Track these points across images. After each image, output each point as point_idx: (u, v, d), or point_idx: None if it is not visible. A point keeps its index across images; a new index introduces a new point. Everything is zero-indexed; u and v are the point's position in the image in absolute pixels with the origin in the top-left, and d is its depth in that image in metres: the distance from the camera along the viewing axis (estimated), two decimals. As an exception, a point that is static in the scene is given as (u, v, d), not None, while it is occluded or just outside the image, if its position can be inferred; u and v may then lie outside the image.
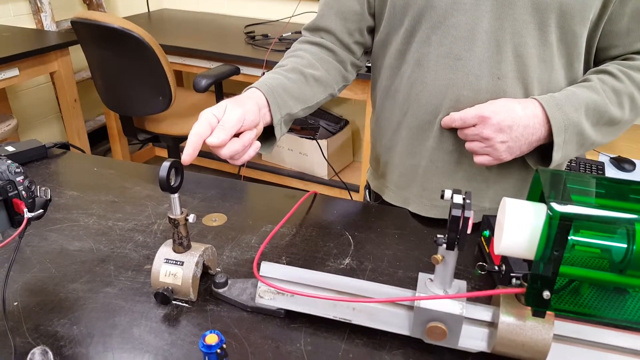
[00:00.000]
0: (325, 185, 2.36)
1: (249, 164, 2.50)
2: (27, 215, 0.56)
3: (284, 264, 0.72)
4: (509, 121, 0.70)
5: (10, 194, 0.56)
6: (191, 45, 2.02)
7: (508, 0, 0.71)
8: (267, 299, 0.62)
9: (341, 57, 0.87)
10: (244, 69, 1.96)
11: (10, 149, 0.98)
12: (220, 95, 1.87)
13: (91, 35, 1.71)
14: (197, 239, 0.77)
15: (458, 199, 0.52)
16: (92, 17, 1.66)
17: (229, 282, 0.67)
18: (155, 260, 0.64)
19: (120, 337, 0.59)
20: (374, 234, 0.80)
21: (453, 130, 0.79)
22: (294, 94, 0.77)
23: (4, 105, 2.43)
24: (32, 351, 0.50)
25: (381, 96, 0.90)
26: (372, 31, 0.88)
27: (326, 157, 2.05)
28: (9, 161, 0.59)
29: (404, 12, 0.78)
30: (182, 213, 0.62)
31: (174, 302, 0.64)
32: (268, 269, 0.63)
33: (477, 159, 0.76)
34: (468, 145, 0.76)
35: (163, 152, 2.77)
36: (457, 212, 0.51)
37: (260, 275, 0.62)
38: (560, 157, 0.72)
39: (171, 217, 0.62)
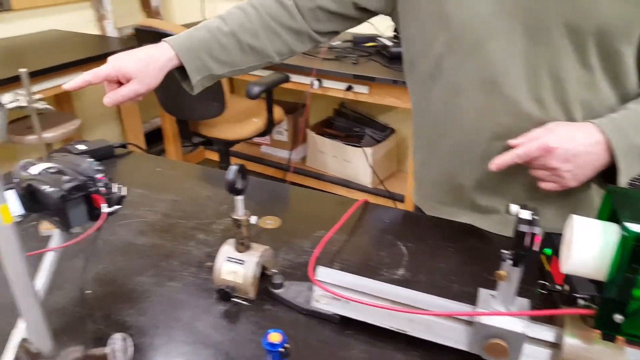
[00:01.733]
0: (369, 194, 2.36)
1: (294, 169, 2.54)
2: (106, 209, 0.60)
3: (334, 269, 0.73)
4: (573, 150, 0.69)
5: (90, 190, 0.60)
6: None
7: (542, 24, 0.69)
8: (323, 303, 0.63)
9: (300, 28, 0.85)
10: (294, 77, 2.00)
11: (81, 147, 1.04)
12: (270, 102, 1.92)
13: (153, 42, 1.80)
14: (253, 239, 0.80)
15: (526, 214, 0.52)
16: (154, 25, 1.74)
17: (285, 283, 0.69)
18: (217, 258, 0.67)
19: (184, 330, 0.61)
20: (427, 246, 0.79)
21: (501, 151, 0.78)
22: (220, 58, 0.82)
23: (68, 105, 2.58)
24: (113, 336, 0.53)
25: (415, 112, 0.91)
26: (347, 21, 0.86)
27: (371, 165, 2.05)
28: (90, 159, 0.63)
29: (435, 36, 0.77)
30: (245, 214, 0.65)
31: (233, 299, 0.66)
32: (325, 273, 0.64)
33: (543, 185, 0.74)
34: (534, 172, 0.74)
35: (212, 155, 2.85)
36: (524, 228, 0.51)
37: (317, 280, 0.64)
38: (625, 180, 0.71)
39: (235, 217, 0.65)
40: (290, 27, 0.86)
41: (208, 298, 0.67)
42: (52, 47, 2.16)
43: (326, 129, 2.43)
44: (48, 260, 0.58)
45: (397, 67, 1.91)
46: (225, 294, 0.65)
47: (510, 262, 0.53)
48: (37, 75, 1.82)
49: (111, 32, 2.63)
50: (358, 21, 0.88)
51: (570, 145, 0.69)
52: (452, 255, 0.77)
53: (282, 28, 0.85)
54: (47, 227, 0.61)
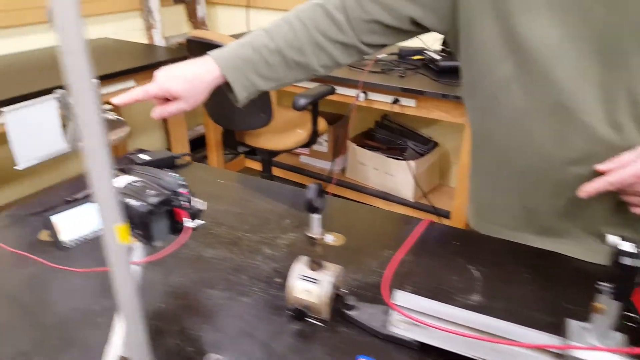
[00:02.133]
0: (411, 208, 2.33)
1: (320, 178, 2.53)
2: (189, 224, 0.60)
3: (409, 291, 0.72)
4: None
5: (174, 204, 0.61)
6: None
7: (617, 46, 0.66)
8: (401, 328, 0.62)
9: (349, 41, 0.84)
10: (339, 89, 2.00)
11: (144, 157, 1.06)
12: (316, 113, 1.92)
13: (203, 53, 1.83)
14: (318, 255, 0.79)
15: (629, 247, 0.49)
16: (205, 36, 1.78)
17: (358, 305, 0.67)
18: (290, 276, 0.66)
19: (261, 350, 0.61)
20: (500, 270, 0.77)
21: (581, 178, 0.75)
22: (264, 74, 0.83)
23: (117, 113, 2.65)
24: (209, 357, 0.53)
25: (474, 133, 0.88)
26: (400, 35, 0.84)
27: (415, 179, 2.02)
28: (174, 173, 0.64)
29: (501, 58, 0.74)
30: (321, 233, 0.64)
31: (307, 319, 0.66)
32: (403, 298, 0.63)
33: (636, 210, 0.71)
34: (626, 198, 0.71)
35: (253, 164, 2.88)
36: (628, 261, 0.48)
37: (395, 304, 0.62)
38: None
39: (310, 236, 0.64)
40: (338, 41, 0.85)
41: (280, 316, 0.66)
42: (104, 54, 2.23)
43: (367, 140, 2.42)
44: (135, 274, 0.58)
45: (445, 81, 1.88)
46: (300, 313, 0.64)
47: (610, 295, 0.51)
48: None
49: (159, 41, 2.70)
50: (410, 35, 0.87)
51: None
52: (527, 280, 0.74)
53: (330, 42, 0.85)
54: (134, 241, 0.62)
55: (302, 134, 1.99)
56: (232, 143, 1.98)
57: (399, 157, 2.33)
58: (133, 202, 0.60)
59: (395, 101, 1.90)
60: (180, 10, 2.97)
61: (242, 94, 0.84)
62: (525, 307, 0.69)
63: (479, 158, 0.91)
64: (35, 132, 0.83)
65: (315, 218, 0.64)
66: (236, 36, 2.70)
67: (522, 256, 0.81)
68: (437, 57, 2.01)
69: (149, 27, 2.70)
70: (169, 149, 3.01)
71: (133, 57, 2.22)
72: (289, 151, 2.06)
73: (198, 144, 2.87)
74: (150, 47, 2.44)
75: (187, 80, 0.80)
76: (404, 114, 1.97)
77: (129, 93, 0.81)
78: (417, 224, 0.88)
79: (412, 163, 2.26)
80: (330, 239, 0.64)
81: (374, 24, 0.83)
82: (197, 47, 1.87)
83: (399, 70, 2.01)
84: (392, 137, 2.43)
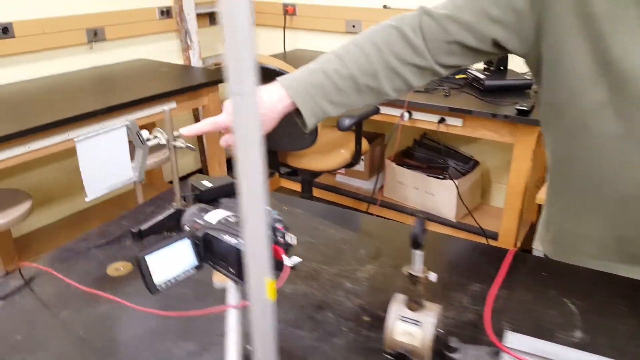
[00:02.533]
0: (454, 228, 2.27)
1: (371, 200, 2.49)
2: (288, 262, 0.57)
3: (509, 330, 0.67)
4: None
5: (272, 241, 0.57)
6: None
7: None
8: (517, 374, 0.57)
9: (425, 65, 0.80)
10: (384, 109, 1.98)
11: (207, 184, 1.04)
12: (359, 134, 1.89)
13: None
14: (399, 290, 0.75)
15: None
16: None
17: (460, 347, 0.63)
18: (389, 317, 0.62)
19: (364, 398, 0.56)
20: (597, 304, 0.71)
21: None
22: (335, 101, 0.80)
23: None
24: None
25: (556, 159, 0.83)
26: (478, 56, 0.81)
27: (459, 198, 1.96)
28: (271, 209, 0.61)
29: (593, 82, 0.69)
30: (423, 270, 0.60)
31: (409, 364, 0.61)
32: (515, 340, 0.58)
33: None
34: None
35: (289, 184, 2.85)
36: None
37: (506, 347, 0.57)
38: None
39: (412, 273, 0.60)
40: (414, 64, 0.81)
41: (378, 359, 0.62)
42: (142, 75, 2.25)
43: (406, 159, 2.37)
44: (233, 320, 0.55)
45: (491, 100, 1.84)
46: (402, 358, 0.59)
47: None
48: (130, 105, 1.88)
49: (195, 62, 2.72)
50: (488, 56, 0.83)
51: None
52: (627, 314, 0.69)
53: (404, 65, 0.81)
54: (220, 279, 0.59)
55: (345, 154, 1.96)
56: (274, 164, 1.96)
57: (440, 176, 2.28)
58: (229, 239, 0.57)
59: (442, 120, 1.86)
60: (216, 31, 3.00)
61: (311, 120, 0.81)
62: (631, 344, 0.63)
63: (561, 185, 0.85)
64: (103, 161, 0.82)
65: (418, 254, 0.60)
66: (276, 56, 2.71)
67: (615, 287, 0.75)
68: (481, 75, 1.97)
69: (186, 49, 2.73)
70: (202, 169, 3.01)
71: (172, 78, 2.23)
72: (331, 172, 2.02)
73: (231, 164, 2.86)
74: (188, 69, 2.46)
75: (263, 111, 0.77)
76: (443, 132, 1.93)
77: (198, 125, 0.79)
78: (503, 254, 0.83)
79: (454, 182, 2.20)
80: (433, 276, 0.60)
81: (454, 45, 0.80)
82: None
83: (443, 89, 1.97)
84: (432, 155, 2.38)
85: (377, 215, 2.38)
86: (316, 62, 0.82)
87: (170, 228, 0.93)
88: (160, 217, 0.91)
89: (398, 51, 0.80)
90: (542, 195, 1.56)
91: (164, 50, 2.74)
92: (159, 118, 2.06)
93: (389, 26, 0.81)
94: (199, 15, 2.74)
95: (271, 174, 2.85)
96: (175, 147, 0.89)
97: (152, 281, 0.54)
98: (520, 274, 0.79)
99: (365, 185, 2.60)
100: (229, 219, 0.59)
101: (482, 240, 2.18)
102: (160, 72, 2.34)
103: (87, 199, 0.79)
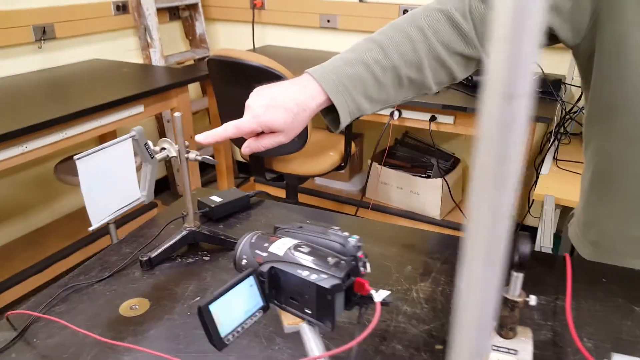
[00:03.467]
0: (438, 226, 2.24)
1: (349, 201, 2.42)
2: (378, 298, 0.47)
3: (589, 347, 0.61)
4: None
5: (356, 274, 0.48)
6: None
7: None
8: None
9: (473, 54, 0.72)
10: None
11: (216, 199, 0.92)
12: (349, 135, 1.81)
13: (227, 73, 1.70)
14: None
15: None
16: (232, 55, 1.64)
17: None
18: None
19: None
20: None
21: None
22: (374, 97, 0.70)
23: (112, 138, 2.46)
24: None
25: (602, 163, 0.79)
26: None
27: (451, 195, 1.93)
28: (338, 229, 0.51)
29: None
30: (521, 294, 0.53)
31: (509, 401, 0.53)
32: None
33: None
34: None
35: (267, 189, 2.73)
36: None
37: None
38: None
39: (509, 298, 0.52)
40: (462, 54, 0.73)
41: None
42: (102, 77, 2.06)
43: (389, 159, 2.32)
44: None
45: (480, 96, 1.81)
46: (503, 395, 0.52)
47: None
48: (94, 111, 1.70)
49: (157, 61, 2.53)
50: None
51: None
52: None
53: (452, 56, 0.72)
54: (292, 322, 0.48)
55: (334, 156, 1.87)
56: (258, 170, 1.83)
57: (424, 175, 2.24)
58: (304, 274, 0.47)
59: (432, 118, 1.82)
60: (175, 27, 2.81)
61: (345, 120, 0.70)
62: None
63: (608, 187, 0.80)
64: (107, 181, 0.69)
65: (519, 277, 0.52)
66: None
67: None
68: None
69: (146, 47, 2.54)
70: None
71: (136, 80, 2.05)
72: (320, 176, 1.93)
73: (203, 167, 2.70)
74: (150, 68, 2.28)
75: (288, 110, 0.66)
76: (421, 130, 1.88)
77: (218, 131, 0.67)
78: (553, 260, 0.77)
79: (439, 181, 2.17)
80: (533, 300, 0.52)
81: None
82: (218, 67, 1.73)
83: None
84: (415, 155, 2.34)
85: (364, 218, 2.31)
86: (352, 51, 0.71)
87: (183, 253, 0.81)
88: (171, 242, 0.79)
89: (446, 39, 0.71)
90: (539, 192, 1.55)
91: (121, 48, 2.53)
92: (119, 126, 1.88)
93: (434, 10, 0.71)
94: (159, 10, 2.55)
95: (245, 179, 2.72)
96: (187, 159, 0.77)
97: (219, 335, 0.43)
98: (580, 282, 0.74)
99: (346, 187, 2.53)
100: (301, 249, 0.49)
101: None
102: (121, 73, 2.15)
103: (90, 228, 0.66)
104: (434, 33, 0.70)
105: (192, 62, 2.82)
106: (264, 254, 0.50)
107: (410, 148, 2.37)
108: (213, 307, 0.43)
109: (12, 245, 2.08)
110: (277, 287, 0.49)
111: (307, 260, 0.48)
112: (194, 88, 2.86)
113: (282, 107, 0.65)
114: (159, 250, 0.78)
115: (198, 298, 0.70)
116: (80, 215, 2.35)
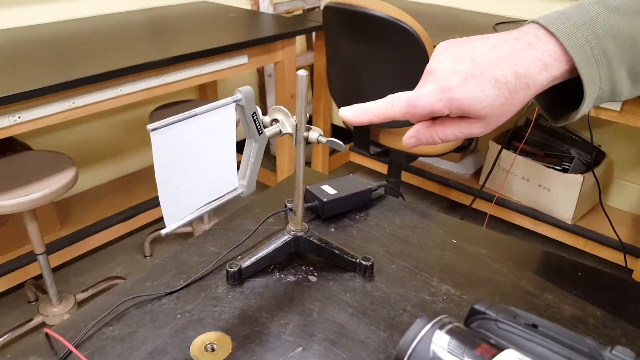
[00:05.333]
0: (569, 232, 1.86)
1: (463, 189, 2.09)
2: None
3: None
4: None
5: None
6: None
7: None
8: None
9: None
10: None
11: (329, 190, 0.68)
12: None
13: (345, 24, 1.42)
14: None
15: None
16: (354, 2, 1.36)
17: None
18: None
19: None
20: None
21: None
22: None
23: (212, 90, 2.33)
24: None
25: None
26: None
27: (600, 197, 1.54)
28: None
29: None
30: None
31: None
32: None
33: None
34: None
35: (360, 159, 2.48)
36: None
37: None
38: None
39: None
40: None
41: None
42: (206, 22, 1.88)
43: (515, 142, 1.94)
44: None
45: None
46: None
47: None
48: (197, 57, 1.52)
49: (265, 8, 2.32)
50: None
51: None
52: None
53: None
54: None
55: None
56: (363, 142, 1.58)
57: (557, 167, 1.85)
58: None
59: (596, 101, 1.42)
60: (286, -28, 2.56)
61: (587, 107, 0.42)
62: None
63: None
64: (193, 164, 0.46)
65: None
66: None
67: None
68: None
69: (254, -8, 2.32)
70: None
71: (242, 27, 1.85)
72: (436, 156, 1.63)
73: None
74: (258, 15, 2.07)
75: (503, 86, 0.39)
76: None
77: (374, 107, 0.42)
78: None
79: (579, 177, 1.77)
80: None
81: None
82: (335, 16, 1.46)
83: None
84: (550, 141, 1.94)
85: (449, 202, 1.98)
86: None
87: (281, 265, 0.59)
88: (269, 249, 0.57)
89: None
90: None
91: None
92: (220, 77, 1.70)
93: None
94: (271, -48, 2.31)
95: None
96: (307, 141, 0.53)
97: None
98: None
99: (455, 169, 2.20)
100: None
101: (612, 253, 1.76)
102: (228, 18, 1.96)
103: (163, 232, 0.45)
104: None
105: (300, 12, 2.57)
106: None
107: (545, 132, 1.96)
108: None
109: (101, 189, 2.05)
110: None
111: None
112: (299, 41, 2.62)
113: (491, 78, 0.38)
114: (253, 259, 0.56)
115: (300, 349, 0.48)
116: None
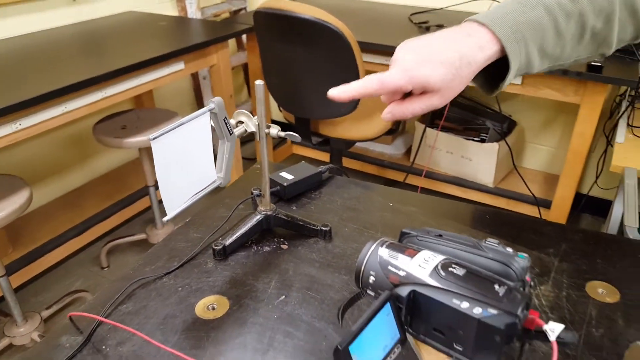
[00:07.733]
0: (491, 194, 2.11)
1: (396, 167, 2.30)
2: (552, 335, 0.37)
3: None
4: None
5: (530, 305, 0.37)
6: (370, 39, 1.79)
7: None
8: None
9: None
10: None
11: (287, 176, 0.81)
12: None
13: (276, 27, 1.55)
14: (604, 322, 0.57)
15: None
16: (282, 7, 1.49)
17: None
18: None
19: None
20: None
21: None
22: (547, 51, 0.57)
23: (148, 97, 2.36)
24: None
25: None
26: None
27: (513, 161, 1.79)
28: (512, 250, 0.40)
29: None
30: None
31: None
32: None
33: None
34: None
35: (302, 150, 2.61)
36: None
37: None
38: None
39: None
40: None
41: None
42: (137, 32, 1.92)
43: (437, 120, 2.16)
44: None
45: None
46: None
47: None
48: (135, 68, 1.58)
49: (193, 13, 2.38)
50: None
51: None
52: None
53: None
54: (435, 358, 0.39)
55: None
56: (305, 134, 1.72)
57: (477, 139, 2.09)
58: (465, 307, 0.36)
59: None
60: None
61: (512, 77, 0.57)
62: None
63: None
64: (182, 163, 0.59)
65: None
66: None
67: None
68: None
69: (180, -2, 2.37)
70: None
71: (175, 34, 1.91)
72: (370, 140, 1.80)
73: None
74: (187, 21, 2.13)
75: (451, 65, 0.53)
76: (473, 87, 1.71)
77: (358, 83, 0.55)
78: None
79: (495, 145, 2.02)
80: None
81: None
82: (265, 21, 1.58)
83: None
84: (468, 116, 2.18)
85: (390, 180, 2.19)
86: None
87: (257, 240, 0.72)
88: (246, 227, 0.70)
89: None
90: (618, 163, 1.40)
91: (154, 0, 2.38)
92: (159, 85, 1.76)
93: None
94: (192, -42, 2.37)
95: (282, 141, 2.61)
96: (268, 136, 0.66)
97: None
98: None
99: (389, 150, 2.40)
100: (453, 270, 0.38)
101: (529, 207, 2.04)
102: (158, 27, 2.01)
103: (165, 219, 0.56)
104: None
105: (227, 14, 2.65)
106: (401, 273, 0.39)
107: (462, 109, 2.20)
108: (354, 349, 0.34)
109: (50, 206, 2.04)
110: (416, 314, 0.39)
111: (465, 286, 0.37)
112: (230, 42, 2.70)
113: (441, 60, 0.52)
114: (234, 237, 0.69)
115: (283, 297, 0.61)
116: (117, 175, 2.29)
